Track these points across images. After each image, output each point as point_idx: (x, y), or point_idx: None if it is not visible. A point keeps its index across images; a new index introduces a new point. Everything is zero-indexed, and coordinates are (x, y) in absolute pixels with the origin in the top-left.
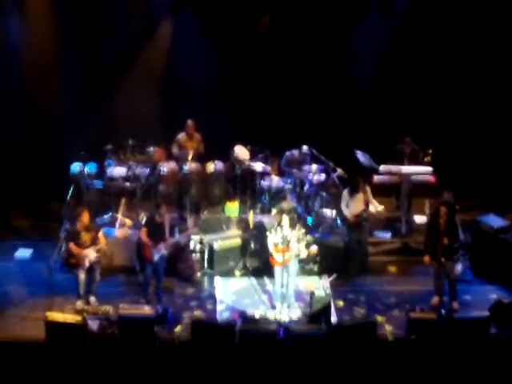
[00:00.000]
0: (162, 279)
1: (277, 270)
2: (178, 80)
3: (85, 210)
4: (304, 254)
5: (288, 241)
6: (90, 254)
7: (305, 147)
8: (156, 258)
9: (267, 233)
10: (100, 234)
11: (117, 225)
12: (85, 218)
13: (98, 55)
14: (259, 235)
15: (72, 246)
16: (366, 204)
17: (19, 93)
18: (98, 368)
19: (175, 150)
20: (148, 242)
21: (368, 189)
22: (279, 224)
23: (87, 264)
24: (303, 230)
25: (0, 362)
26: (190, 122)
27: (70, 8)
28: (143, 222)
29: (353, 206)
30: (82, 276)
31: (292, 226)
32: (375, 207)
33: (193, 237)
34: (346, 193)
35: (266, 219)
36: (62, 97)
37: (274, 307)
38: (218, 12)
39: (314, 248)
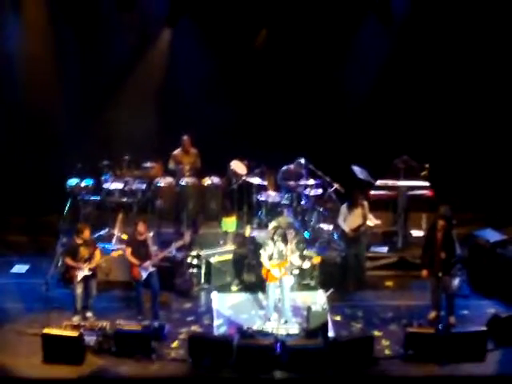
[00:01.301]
0: (157, 295)
1: (271, 285)
2: (176, 94)
3: (86, 225)
4: (307, 265)
5: (284, 255)
6: (85, 270)
7: (301, 160)
8: (144, 275)
9: (261, 249)
10: (97, 251)
11: (113, 241)
12: (86, 233)
13: (95, 69)
14: (256, 250)
15: (68, 259)
16: (364, 218)
17: (16, 106)
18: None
19: (171, 165)
20: (134, 261)
21: (365, 203)
22: (272, 239)
23: (79, 278)
24: (297, 241)
25: None
26: (185, 138)
27: (67, 22)
28: (125, 241)
29: (350, 220)
30: (78, 291)
31: (285, 240)
32: (372, 222)
33: (179, 246)
34: (344, 207)
35: (258, 235)
36: (59, 111)
37: (269, 320)
38: (215, 25)
39: (318, 257)
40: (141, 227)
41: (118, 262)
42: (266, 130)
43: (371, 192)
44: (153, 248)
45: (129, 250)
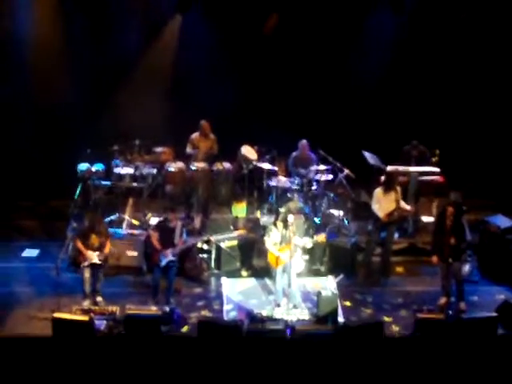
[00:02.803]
0: (173, 283)
1: (278, 270)
2: (186, 79)
3: (98, 217)
4: (310, 244)
5: (288, 237)
6: (94, 258)
7: (303, 141)
8: (163, 262)
9: (264, 236)
10: (108, 241)
11: (124, 226)
12: (99, 224)
13: (106, 55)
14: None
15: (79, 243)
16: (397, 203)
17: (27, 92)
18: (104, 366)
19: (189, 149)
20: (157, 246)
21: (399, 188)
22: (275, 224)
23: (87, 264)
24: (303, 223)
25: (8, 358)
26: (204, 123)
27: (78, 7)
28: (154, 225)
29: (385, 204)
30: (86, 275)
31: (286, 223)
32: (404, 207)
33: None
34: (379, 191)
35: (268, 220)
36: (69, 96)
37: (278, 305)
38: (225, 10)
39: (322, 236)
40: (172, 215)
41: (128, 247)
42: (277, 115)
43: (382, 178)
44: (179, 237)
45: (155, 235)
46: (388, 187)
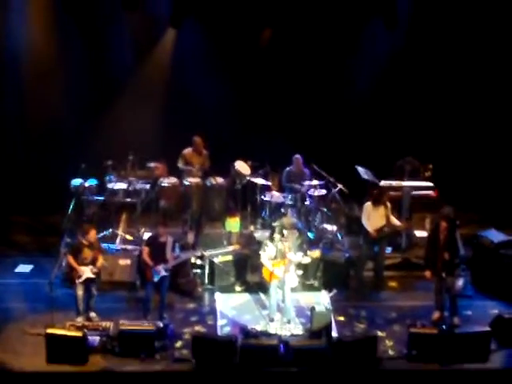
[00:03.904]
0: (165, 298)
1: (272, 284)
2: (180, 94)
3: (92, 227)
4: (307, 260)
5: (283, 253)
6: (87, 273)
7: (297, 155)
8: (156, 279)
9: (260, 250)
10: (100, 254)
11: (117, 241)
12: (92, 234)
13: (100, 68)
14: (259, 250)
15: (71, 259)
16: (387, 219)
17: (20, 106)
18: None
19: (181, 164)
20: (149, 261)
21: (389, 204)
22: (271, 239)
23: (81, 280)
24: (301, 241)
25: None
26: (198, 139)
27: (72, 20)
28: (145, 241)
29: (374, 219)
30: (79, 292)
31: (282, 238)
32: (394, 223)
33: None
34: (368, 205)
35: (262, 235)
36: (63, 111)
37: (272, 320)
38: (219, 25)
39: (317, 251)
40: (161, 229)
41: (121, 263)
42: (271, 130)
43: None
44: (170, 253)
45: (146, 250)
46: (377, 202)
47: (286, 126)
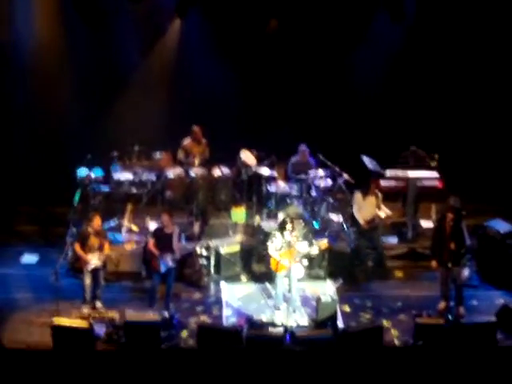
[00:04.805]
0: (171, 288)
1: (279, 275)
2: (186, 85)
3: (97, 214)
4: (315, 251)
5: (291, 244)
6: (94, 260)
7: (303, 146)
8: (163, 269)
9: (267, 241)
10: (107, 241)
11: (123, 232)
12: (96, 222)
13: (105, 59)
14: (265, 241)
15: (77, 247)
16: (378, 209)
17: (26, 97)
18: (104, 373)
19: (181, 155)
20: (155, 252)
21: (380, 194)
22: (279, 229)
23: (90, 268)
24: (306, 231)
25: (9, 369)
26: (196, 128)
27: (77, 12)
28: (151, 231)
29: (365, 210)
30: (87, 281)
31: (291, 229)
32: (385, 212)
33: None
34: (358, 195)
35: (268, 225)
36: (69, 101)
37: (278, 309)
38: (224, 15)
39: (324, 242)
40: (164, 219)
41: (127, 253)
42: (276, 120)
43: (381, 182)
44: (177, 243)
45: (152, 241)
46: (366, 191)
47: (292, 117)
